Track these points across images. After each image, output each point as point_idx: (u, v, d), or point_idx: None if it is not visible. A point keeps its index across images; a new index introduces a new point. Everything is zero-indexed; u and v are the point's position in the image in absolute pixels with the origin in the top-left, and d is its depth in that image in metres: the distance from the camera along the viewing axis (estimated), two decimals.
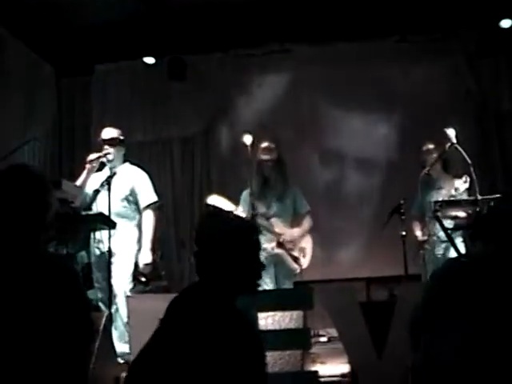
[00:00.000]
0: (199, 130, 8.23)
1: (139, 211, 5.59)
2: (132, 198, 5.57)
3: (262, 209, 5.88)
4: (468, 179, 5.27)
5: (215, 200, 5.89)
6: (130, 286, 5.50)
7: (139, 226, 5.57)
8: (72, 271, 2.53)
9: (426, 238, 6.03)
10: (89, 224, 5.10)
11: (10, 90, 7.12)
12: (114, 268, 5.21)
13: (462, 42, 7.75)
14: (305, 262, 5.98)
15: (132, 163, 5.83)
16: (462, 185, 5.30)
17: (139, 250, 5.51)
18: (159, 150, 8.37)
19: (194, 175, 8.26)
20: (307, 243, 6.04)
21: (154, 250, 5.62)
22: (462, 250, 5.56)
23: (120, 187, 5.45)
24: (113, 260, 5.20)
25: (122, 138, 5.66)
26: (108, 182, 5.14)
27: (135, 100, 8.26)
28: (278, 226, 5.90)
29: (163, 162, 8.31)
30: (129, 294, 5.34)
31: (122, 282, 5.34)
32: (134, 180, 5.63)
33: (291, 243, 5.89)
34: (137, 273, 6.47)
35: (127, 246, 5.45)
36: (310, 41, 7.82)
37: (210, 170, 8.26)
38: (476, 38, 7.61)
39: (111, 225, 5.02)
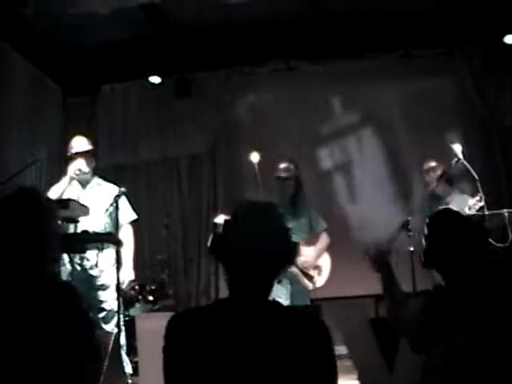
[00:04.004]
0: (206, 148, 8.24)
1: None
2: (110, 215, 5.40)
3: None
4: (483, 197, 5.19)
5: (222, 219, 5.85)
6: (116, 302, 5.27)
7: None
8: (76, 292, 2.52)
9: None
10: (96, 243, 5.04)
11: (15, 109, 7.12)
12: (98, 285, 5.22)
13: (467, 57, 7.79)
14: (321, 280, 5.90)
15: (100, 177, 5.66)
16: (476, 204, 5.20)
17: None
18: (166, 169, 8.39)
19: (201, 193, 8.25)
20: (324, 261, 5.96)
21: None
22: None
23: (100, 203, 5.35)
24: (99, 278, 5.18)
25: (93, 148, 5.52)
26: (116, 201, 5.05)
27: (141, 119, 8.28)
28: None
29: (170, 180, 8.33)
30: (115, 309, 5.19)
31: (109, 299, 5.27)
32: (112, 196, 5.37)
33: (306, 261, 5.81)
34: (144, 292, 6.53)
35: (110, 264, 5.29)
36: (315, 58, 7.87)
37: (217, 187, 8.25)
38: (480, 53, 7.67)
39: (120, 244, 4.98)
